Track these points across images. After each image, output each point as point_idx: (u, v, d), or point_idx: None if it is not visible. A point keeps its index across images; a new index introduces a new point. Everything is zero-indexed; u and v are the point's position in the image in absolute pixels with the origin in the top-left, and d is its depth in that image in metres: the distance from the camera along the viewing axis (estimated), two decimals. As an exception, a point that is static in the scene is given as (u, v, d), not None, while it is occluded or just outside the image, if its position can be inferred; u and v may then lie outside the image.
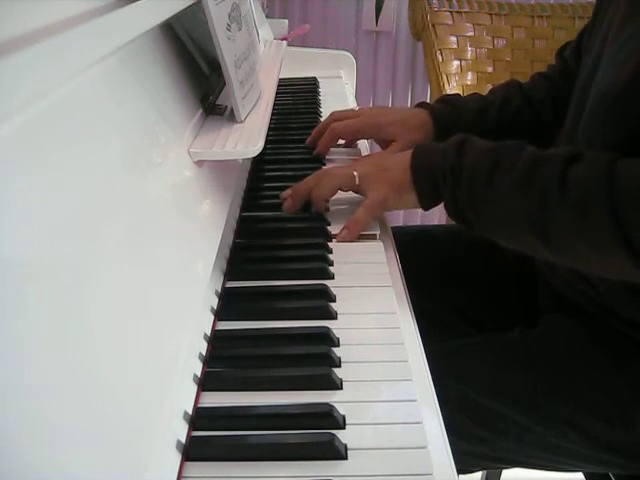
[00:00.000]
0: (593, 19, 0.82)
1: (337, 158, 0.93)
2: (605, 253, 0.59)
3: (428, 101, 2.06)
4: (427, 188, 0.70)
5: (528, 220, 0.62)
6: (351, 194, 0.76)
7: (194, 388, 0.48)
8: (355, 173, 0.74)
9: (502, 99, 0.91)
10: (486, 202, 0.65)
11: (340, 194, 0.77)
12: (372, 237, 0.73)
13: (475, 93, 0.96)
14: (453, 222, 0.73)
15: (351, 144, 0.97)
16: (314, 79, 1.38)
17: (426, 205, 0.72)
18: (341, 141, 0.95)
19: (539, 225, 0.61)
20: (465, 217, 0.68)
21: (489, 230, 0.68)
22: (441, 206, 0.71)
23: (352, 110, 0.98)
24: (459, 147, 0.68)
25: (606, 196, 0.57)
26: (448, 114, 0.88)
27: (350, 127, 0.90)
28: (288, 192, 0.77)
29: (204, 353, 0.51)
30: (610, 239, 0.57)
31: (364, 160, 0.79)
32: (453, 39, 1.64)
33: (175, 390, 0.44)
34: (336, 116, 0.93)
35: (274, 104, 0.90)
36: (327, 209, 0.77)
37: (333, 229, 0.73)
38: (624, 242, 0.56)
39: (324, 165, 0.91)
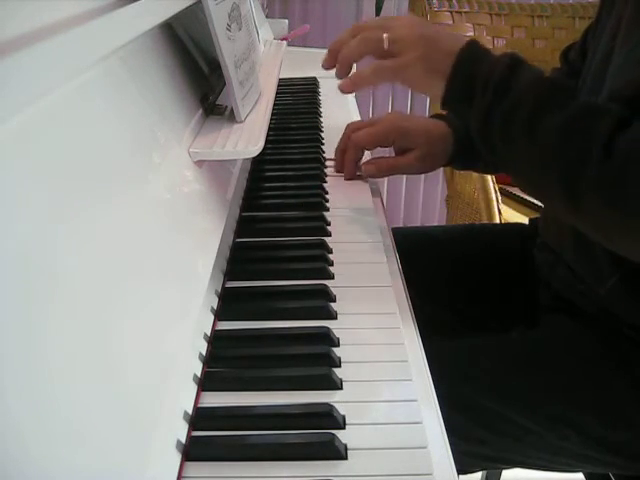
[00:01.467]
0: (597, 18, 0.81)
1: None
2: (638, 231, 0.55)
3: (428, 101, 2.06)
4: (461, 86, 0.63)
5: (560, 173, 0.57)
6: (350, 200, 0.76)
7: (194, 388, 0.48)
8: (385, 36, 0.65)
9: None
10: (523, 132, 0.59)
11: (340, 199, 0.76)
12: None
13: None
14: (453, 224, 0.72)
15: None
16: (314, 79, 1.38)
17: (448, 102, 0.65)
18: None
19: (570, 182, 0.57)
20: (490, 138, 0.62)
21: (511, 164, 0.63)
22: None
23: (367, 120, 0.92)
24: (512, 66, 0.62)
25: None
26: (464, 126, 0.84)
27: (372, 135, 0.85)
28: (326, 57, 0.73)
29: (204, 353, 0.51)
30: None
31: (405, 21, 0.67)
32: (453, 39, 1.64)
33: (175, 390, 0.44)
34: (352, 127, 0.89)
35: (274, 104, 0.90)
36: (327, 209, 0.76)
37: (333, 229, 0.73)
38: None
39: (324, 165, 0.91)
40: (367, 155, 0.91)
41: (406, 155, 0.85)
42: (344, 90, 0.68)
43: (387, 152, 0.89)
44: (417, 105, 2.08)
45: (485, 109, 0.61)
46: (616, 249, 0.61)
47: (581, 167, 0.56)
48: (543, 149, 0.58)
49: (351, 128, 0.89)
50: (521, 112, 0.59)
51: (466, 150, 0.83)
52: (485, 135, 0.63)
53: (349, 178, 0.88)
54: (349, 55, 0.68)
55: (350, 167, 0.88)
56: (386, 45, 0.65)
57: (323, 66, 0.72)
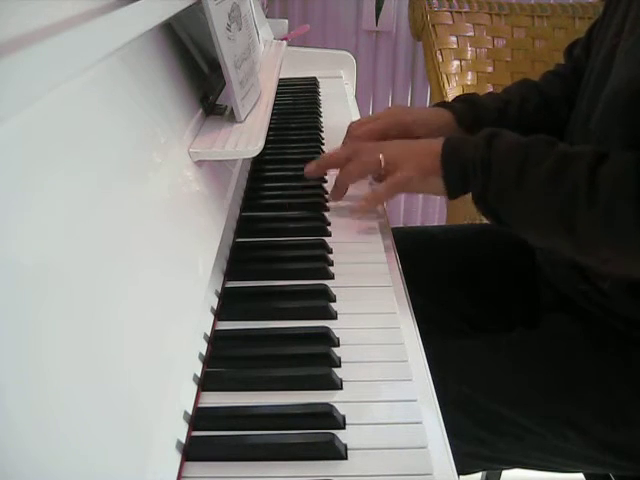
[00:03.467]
0: (602, 15, 0.82)
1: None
2: (629, 255, 0.59)
3: (428, 101, 2.06)
4: (455, 178, 0.70)
5: (556, 216, 0.62)
6: (350, 200, 0.77)
7: (194, 388, 0.48)
8: (381, 157, 0.73)
9: (521, 98, 0.89)
10: (515, 195, 0.65)
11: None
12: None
13: (491, 92, 0.95)
14: (453, 223, 0.72)
15: None
16: (314, 79, 1.38)
17: (452, 194, 0.72)
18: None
19: (567, 222, 0.61)
20: (493, 210, 0.68)
21: (516, 224, 0.68)
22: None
23: (369, 116, 0.93)
24: (490, 140, 0.68)
25: (633, 194, 0.57)
26: (469, 113, 0.87)
27: (373, 130, 0.85)
28: (315, 161, 0.78)
29: (204, 353, 0.51)
30: (635, 242, 0.57)
31: (392, 142, 0.77)
32: (453, 39, 1.64)
33: (175, 390, 0.44)
34: (355, 125, 0.89)
35: (274, 104, 0.90)
36: (327, 209, 0.77)
37: (333, 229, 0.74)
38: None
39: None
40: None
41: None
42: (362, 213, 0.74)
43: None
44: (417, 104, 2.07)
45: (480, 187, 0.68)
46: (624, 272, 0.66)
47: (573, 208, 0.61)
48: (537, 205, 0.64)
49: (353, 126, 0.89)
50: (508, 179, 0.66)
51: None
52: (488, 209, 0.68)
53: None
54: (349, 180, 0.76)
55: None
56: (383, 164, 0.73)
57: (307, 173, 0.78)
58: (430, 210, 2.15)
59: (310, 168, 0.78)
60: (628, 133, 0.65)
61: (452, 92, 1.61)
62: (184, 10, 0.67)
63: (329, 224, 0.74)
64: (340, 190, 0.76)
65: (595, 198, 0.59)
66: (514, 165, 0.65)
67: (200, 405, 0.47)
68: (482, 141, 0.69)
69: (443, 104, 0.90)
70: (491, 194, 0.67)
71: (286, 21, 1.51)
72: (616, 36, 0.72)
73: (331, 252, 0.69)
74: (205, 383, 0.49)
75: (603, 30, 0.79)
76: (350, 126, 0.89)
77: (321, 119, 1.13)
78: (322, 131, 1.06)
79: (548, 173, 0.63)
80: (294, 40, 1.46)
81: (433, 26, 1.63)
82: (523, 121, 0.88)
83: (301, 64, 1.43)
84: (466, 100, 0.90)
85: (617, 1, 0.76)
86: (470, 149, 0.69)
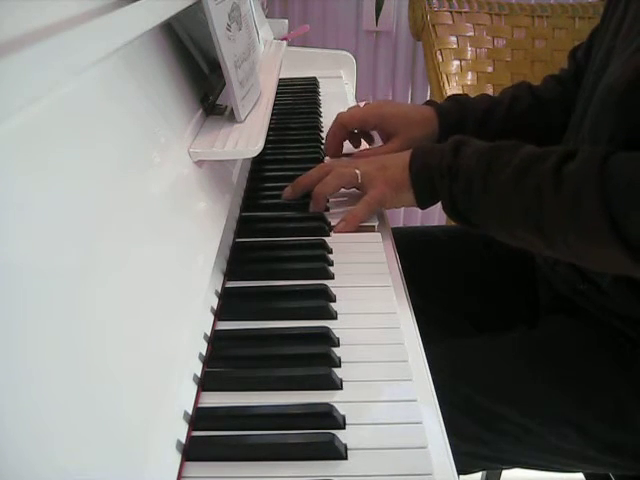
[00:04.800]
0: (602, 17, 0.82)
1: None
2: (598, 246, 0.59)
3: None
4: (424, 187, 0.71)
5: (523, 215, 0.63)
6: (350, 200, 0.77)
7: (194, 388, 0.48)
8: (357, 172, 0.75)
9: (511, 98, 0.90)
10: (483, 198, 0.66)
11: (340, 199, 0.78)
12: (370, 229, 0.73)
13: (484, 94, 0.96)
14: (453, 223, 0.73)
15: (358, 141, 0.94)
16: (314, 79, 1.38)
17: (422, 203, 0.73)
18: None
19: (534, 220, 0.62)
20: (463, 214, 0.69)
21: (486, 226, 0.68)
22: (441, 207, 0.71)
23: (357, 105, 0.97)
24: (456, 147, 0.69)
25: (597, 190, 0.57)
26: (454, 112, 0.88)
27: (355, 116, 0.90)
28: (291, 185, 0.79)
29: (204, 353, 0.51)
30: (602, 232, 0.57)
31: (366, 158, 0.80)
32: (453, 39, 1.64)
33: (175, 390, 0.44)
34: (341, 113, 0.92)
35: (274, 104, 0.90)
36: (327, 209, 0.77)
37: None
38: (616, 235, 0.56)
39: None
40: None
41: (388, 143, 0.88)
42: (344, 232, 0.73)
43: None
44: (418, 100, 2.07)
45: (447, 193, 0.69)
46: (600, 269, 0.68)
47: (539, 206, 0.62)
48: (505, 206, 0.65)
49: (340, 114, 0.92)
50: (475, 183, 0.67)
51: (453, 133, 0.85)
52: (458, 213, 0.69)
53: (329, 154, 0.91)
54: (326, 191, 0.76)
55: (330, 141, 0.91)
56: (360, 179, 0.75)
57: (286, 198, 0.79)
58: (430, 210, 2.15)
59: (287, 193, 0.78)
60: (617, 129, 0.65)
61: (452, 92, 1.61)
62: (184, 10, 0.67)
63: (329, 224, 0.74)
64: (318, 202, 0.76)
65: (560, 189, 0.60)
66: (481, 167, 0.66)
67: (200, 405, 0.47)
68: (449, 148, 0.70)
69: (431, 102, 0.92)
70: (459, 198, 0.68)
71: (286, 21, 1.51)
72: (614, 38, 0.72)
73: (331, 252, 0.69)
74: (205, 383, 0.49)
75: (601, 33, 0.79)
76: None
77: (321, 119, 1.13)
78: (322, 131, 1.06)
79: (514, 173, 0.64)
80: (294, 40, 1.46)
81: (433, 26, 1.62)
82: (511, 121, 0.89)
83: (301, 64, 1.43)
84: (454, 99, 0.92)
85: (615, 4, 0.77)
86: (436, 158, 0.70)
